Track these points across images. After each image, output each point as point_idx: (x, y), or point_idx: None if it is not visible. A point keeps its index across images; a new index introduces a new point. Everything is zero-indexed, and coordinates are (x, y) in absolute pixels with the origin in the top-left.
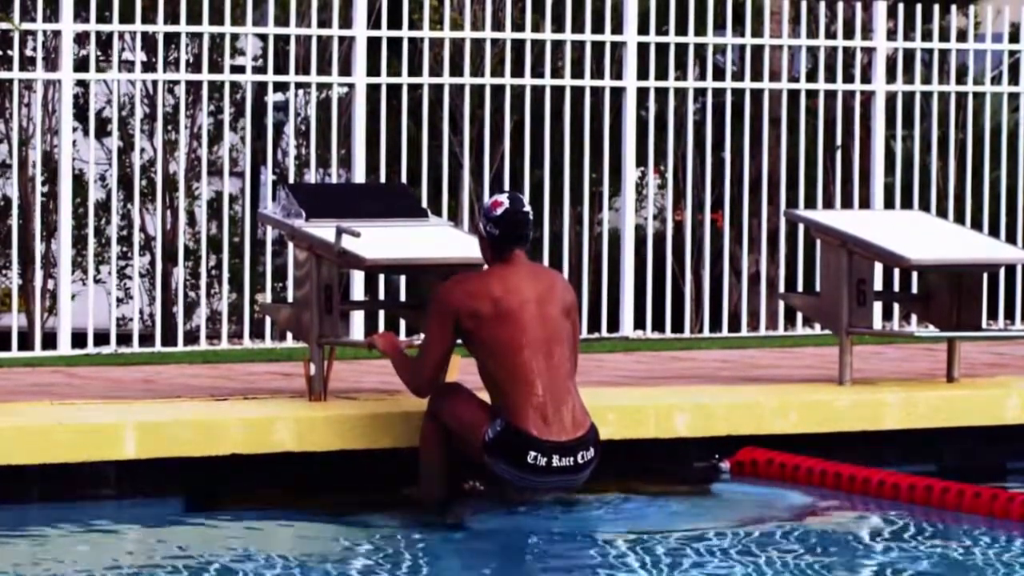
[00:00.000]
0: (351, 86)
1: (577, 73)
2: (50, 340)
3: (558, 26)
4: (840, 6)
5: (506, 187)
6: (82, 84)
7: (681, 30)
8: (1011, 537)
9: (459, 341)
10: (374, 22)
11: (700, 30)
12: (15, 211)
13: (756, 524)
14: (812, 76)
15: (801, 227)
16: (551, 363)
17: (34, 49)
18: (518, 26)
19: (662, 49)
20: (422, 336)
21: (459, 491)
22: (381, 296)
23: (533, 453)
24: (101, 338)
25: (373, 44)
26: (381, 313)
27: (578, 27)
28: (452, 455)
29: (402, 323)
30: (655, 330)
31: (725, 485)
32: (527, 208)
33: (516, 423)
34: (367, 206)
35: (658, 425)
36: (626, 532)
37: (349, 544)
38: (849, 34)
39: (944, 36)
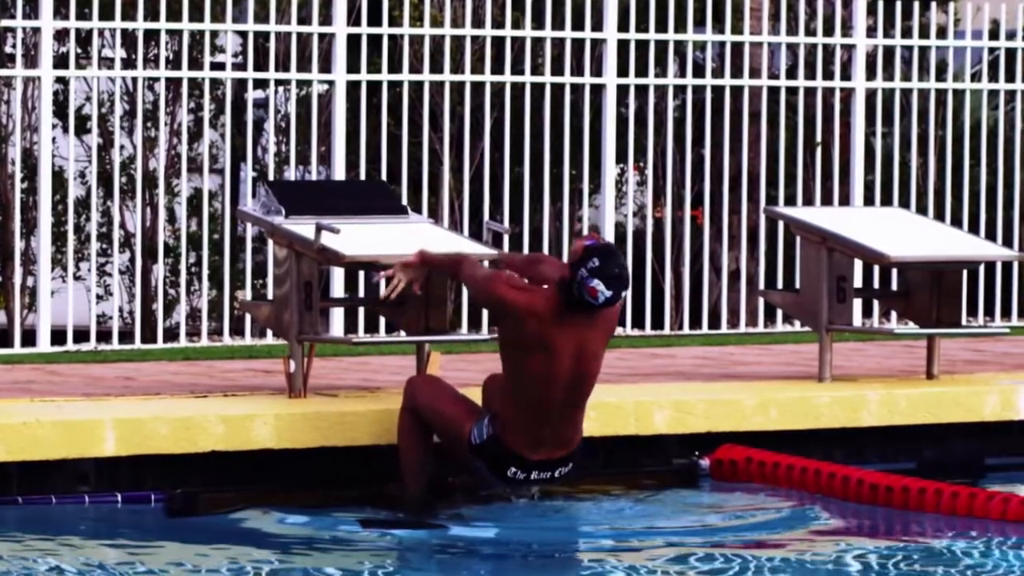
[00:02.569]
0: (331, 83)
1: (557, 70)
2: (30, 337)
3: (538, 23)
4: (820, 3)
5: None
6: (62, 81)
7: (661, 27)
8: (989, 534)
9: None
10: (354, 19)
11: (680, 27)
12: None
13: (735, 521)
14: (792, 73)
15: (781, 224)
16: (571, 397)
17: (13, 46)
18: (498, 23)
19: (642, 46)
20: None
21: (442, 487)
22: (361, 293)
23: (514, 469)
24: (81, 335)
25: (353, 41)
26: (361, 310)
27: (558, 24)
28: (432, 450)
29: (382, 320)
30: (635, 327)
31: (704, 482)
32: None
33: (507, 440)
34: (347, 203)
35: (638, 422)
36: (605, 529)
37: (328, 542)
38: (829, 31)
39: (924, 33)
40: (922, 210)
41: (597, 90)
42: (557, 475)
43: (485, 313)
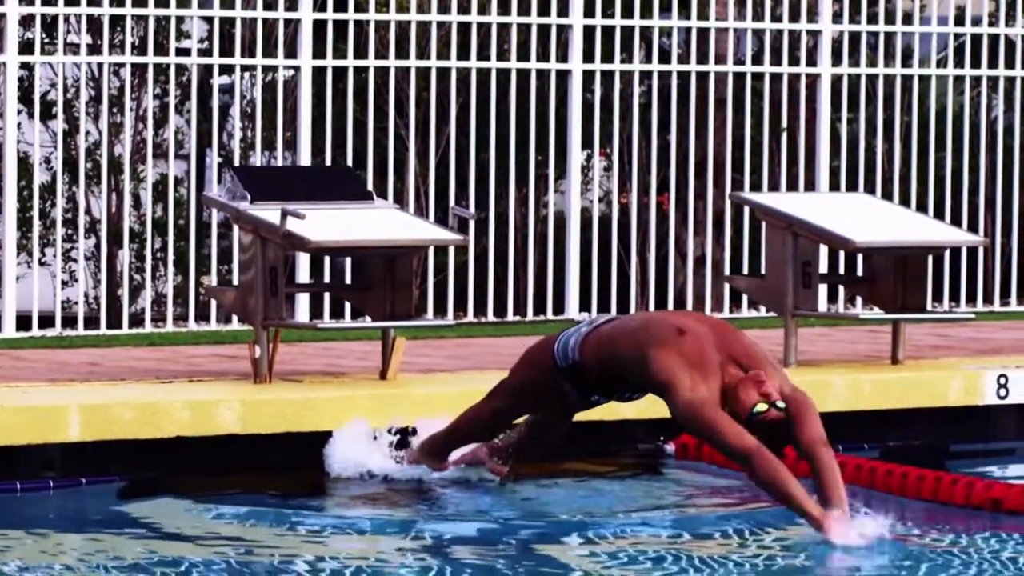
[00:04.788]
0: (297, 69)
1: (523, 56)
2: None
3: (504, 9)
4: None
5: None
6: (27, 67)
7: (627, 13)
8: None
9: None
10: (320, 5)
11: (646, 13)
12: None
13: (697, 506)
14: (758, 59)
15: (747, 210)
16: None
17: None
18: (464, 9)
19: (608, 32)
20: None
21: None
22: (327, 279)
23: (597, 396)
24: (46, 321)
25: (319, 27)
26: (326, 295)
27: (524, 10)
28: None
29: (347, 305)
30: (601, 312)
31: (670, 467)
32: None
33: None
34: (312, 189)
35: (605, 407)
36: (573, 513)
37: (291, 526)
38: (795, 17)
39: (890, 19)
40: (887, 196)
41: (563, 76)
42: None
43: (451, 299)
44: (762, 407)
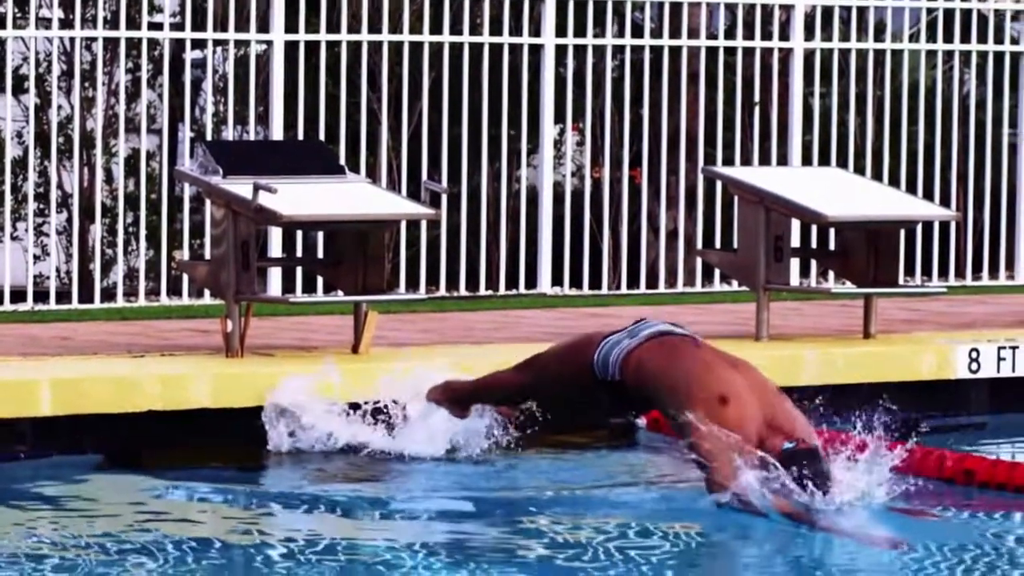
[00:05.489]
0: (269, 43)
1: (496, 30)
2: None
3: None
4: None
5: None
6: None
7: None
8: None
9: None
10: None
11: None
12: None
13: (666, 479)
14: (730, 33)
15: (719, 184)
16: None
17: None
18: None
19: (581, 6)
20: None
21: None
22: (299, 253)
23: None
24: (18, 295)
25: (291, 1)
26: (299, 270)
27: None
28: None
29: (319, 280)
30: (573, 287)
31: (641, 440)
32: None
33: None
34: (284, 163)
35: None
36: (548, 487)
37: (264, 499)
38: None
39: None
40: (860, 170)
41: (536, 50)
42: None
43: (423, 274)
44: (789, 444)
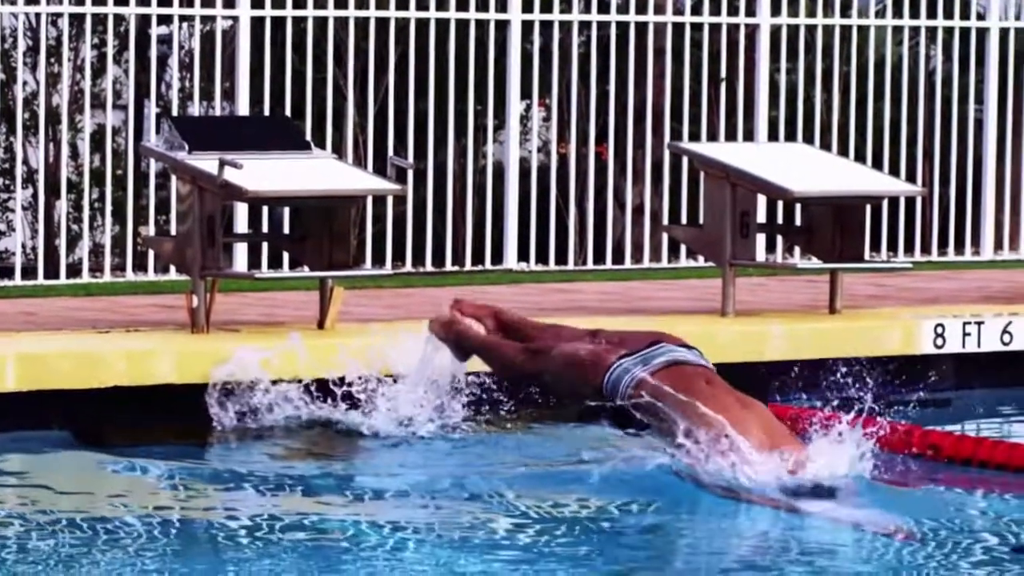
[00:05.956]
0: (235, 19)
1: (462, 5)
2: None
3: None
4: None
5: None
6: None
7: None
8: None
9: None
10: None
11: None
12: None
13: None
14: (697, 9)
15: (685, 159)
16: None
17: None
18: None
19: None
20: None
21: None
22: (265, 229)
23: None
24: None
25: None
26: (264, 245)
27: None
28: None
29: (285, 255)
30: (539, 262)
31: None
32: None
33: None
34: (250, 138)
35: None
36: (512, 461)
37: (229, 475)
38: None
39: None
40: (826, 146)
41: (502, 26)
42: None
43: (389, 249)
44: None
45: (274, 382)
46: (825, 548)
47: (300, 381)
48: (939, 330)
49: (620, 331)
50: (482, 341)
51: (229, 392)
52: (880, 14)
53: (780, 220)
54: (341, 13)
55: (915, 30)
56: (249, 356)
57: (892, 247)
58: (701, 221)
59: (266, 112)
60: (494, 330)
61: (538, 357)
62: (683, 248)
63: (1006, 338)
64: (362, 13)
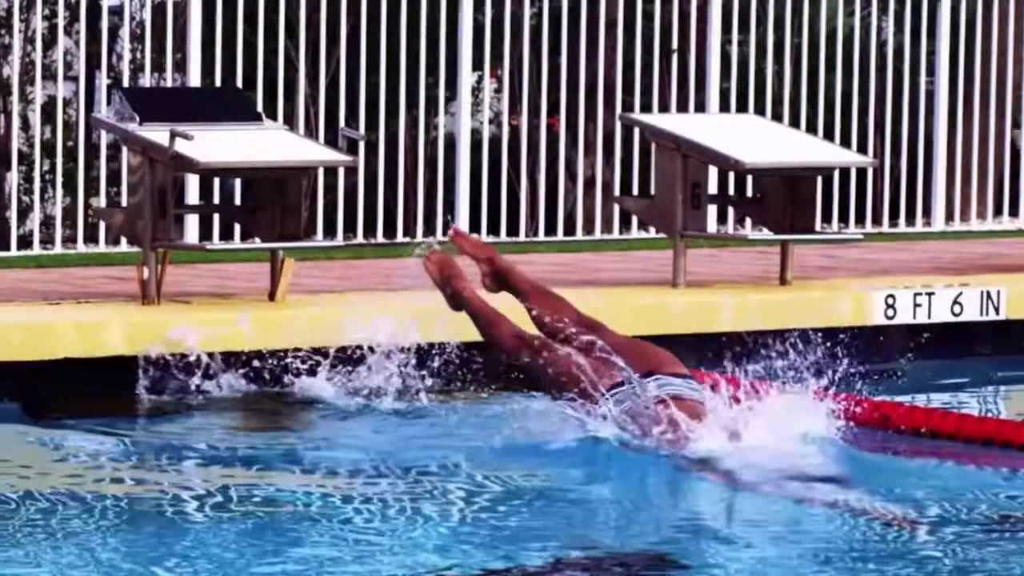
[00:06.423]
0: None
1: None
2: None
3: None
4: None
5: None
6: None
7: None
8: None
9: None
10: None
11: None
12: None
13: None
14: None
15: (637, 131)
16: None
17: None
18: None
19: None
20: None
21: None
22: (216, 200)
23: None
24: None
25: None
26: (216, 217)
27: None
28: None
29: (236, 227)
30: (490, 234)
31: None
32: None
33: None
34: (202, 110)
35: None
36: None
37: (179, 447)
38: None
39: None
40: (777, 117)
41: None
42: None
43: (340, 221)
44: None
45: (222, 355)
46: (763, 521)
47: (247, 353)
48: (890, 301)
49: (619, 339)
50: (477, 307)
51: (165, 365)
52: None
53: (731, 191)
54: None
55: (867, 1)
56: (190, 335)
57: (843, 218)
58: (652, 193)
59: (217, 84)
60: (488, 275)
61: (531, 355)
62: (634, 219)
63: (956, 309)
64: None
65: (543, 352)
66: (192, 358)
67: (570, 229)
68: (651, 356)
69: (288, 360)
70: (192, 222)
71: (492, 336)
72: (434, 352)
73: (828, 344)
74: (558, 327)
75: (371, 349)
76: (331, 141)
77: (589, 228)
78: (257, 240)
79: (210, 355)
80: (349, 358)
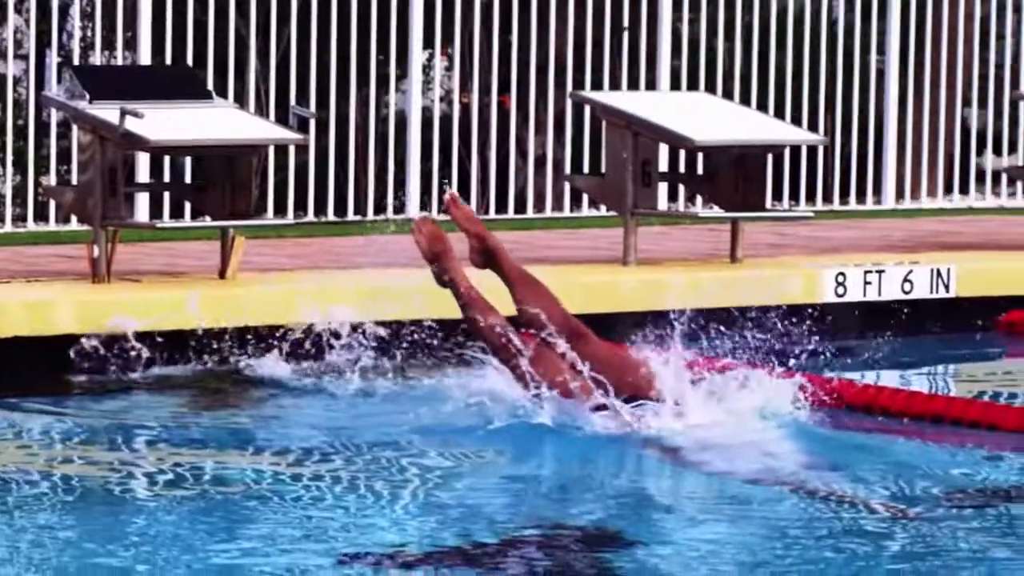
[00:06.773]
0: None
1: None
2: None
3: None
4: None
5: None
6: None
7: None
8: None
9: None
10: None
11: None
12: None
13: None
14: None
15: (588, 109)
16: None
17: None
18: None
19: None
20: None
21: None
22: (167, 178)
23: None
24: None
25: None
26: (166, 195)
27: None
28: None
29: (187, 205)
30: (441, 212)
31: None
32: None
33: None
34: (152, 88)
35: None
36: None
37: (130, 427)
38: None
39: None
40: (728, 96)
41: None
42: None
43: (291, 199)
44: None
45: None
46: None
47: (197, 331)
48: (840, 279)
49: (601, 352)
50: (468, 297)
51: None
52: None
53: (682, 169)
54: None
55: None
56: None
57: (794, 196)
58: (603, 171)
59: (168, 61)
60: (476, 250)
61: (520, 358)
62: (585, 197)
63: (907, 287)
64: None
65: (535, 366)
66: (136, 340)
67: (521, 207)
68: (634, 374)
69: (239, 338)
70: (142, 200)
71: (480, 330)
72: (387, 330)
73: (779, 321)
74: (540, 323)
75: (324, 328)
76: (282, 119)
77: (540, 206)
78: (207, 218)
79: (159, 334)
80: (301, 337)
